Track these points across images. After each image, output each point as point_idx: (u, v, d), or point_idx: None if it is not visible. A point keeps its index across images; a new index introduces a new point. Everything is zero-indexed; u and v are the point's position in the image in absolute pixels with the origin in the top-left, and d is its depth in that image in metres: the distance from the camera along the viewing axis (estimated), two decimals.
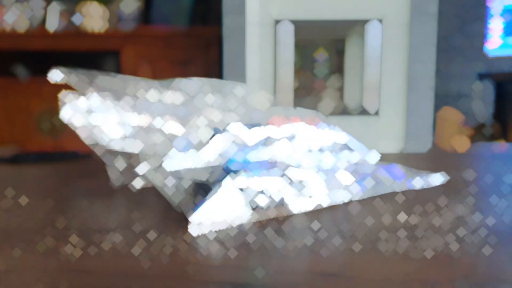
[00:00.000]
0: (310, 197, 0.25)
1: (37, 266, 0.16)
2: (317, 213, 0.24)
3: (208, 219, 0.21)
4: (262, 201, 0.23)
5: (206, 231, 0.21)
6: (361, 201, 0.26)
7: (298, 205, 0.24)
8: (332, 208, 0.25)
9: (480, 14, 2.78)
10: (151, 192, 0.29)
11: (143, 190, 0.29)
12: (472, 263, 0.17)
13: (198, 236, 0.20)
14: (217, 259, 0.17)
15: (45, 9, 2.43)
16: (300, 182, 0.25)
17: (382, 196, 0.28)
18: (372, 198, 0.27)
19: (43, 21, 2.43)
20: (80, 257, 0.18)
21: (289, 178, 0.25)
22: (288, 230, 0.21)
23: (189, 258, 0.17)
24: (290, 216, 0.24)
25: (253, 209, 0.23)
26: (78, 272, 0.16)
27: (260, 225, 0.22)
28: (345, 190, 0.26)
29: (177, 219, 0.23)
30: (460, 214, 0.24)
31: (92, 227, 0.21)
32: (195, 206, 0.22)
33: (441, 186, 0.31)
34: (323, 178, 0.26)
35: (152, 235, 0.20)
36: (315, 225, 0.22)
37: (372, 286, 0.15)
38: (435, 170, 0.37)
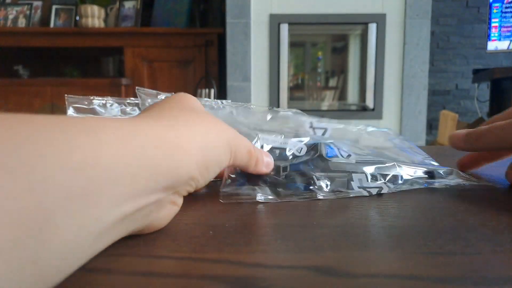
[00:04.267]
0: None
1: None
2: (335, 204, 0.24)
3: (236, 193, 0.26)
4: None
5: (233, 201, 0.25)
6: (362, 197, 0.27)
7: (323, 193, 0.27)
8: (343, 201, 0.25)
9: (480, 12, 2.78)
10: None
11: None
12: (470, 262, 0.17)
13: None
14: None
15: (46, 9, 2.43)
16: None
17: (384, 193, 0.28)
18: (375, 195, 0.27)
19: (44, 20, 2.43)
20: None
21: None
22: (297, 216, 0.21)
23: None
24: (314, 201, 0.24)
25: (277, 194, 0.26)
26: None
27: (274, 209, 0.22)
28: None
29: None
30: (459, 212, 0.24)
31: None
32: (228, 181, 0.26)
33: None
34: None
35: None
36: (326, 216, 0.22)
37: (370, 282, 0.15)
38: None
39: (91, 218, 0.14)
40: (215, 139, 0.21)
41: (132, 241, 0.19)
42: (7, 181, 0.11)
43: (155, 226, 0.20)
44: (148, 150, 0.17)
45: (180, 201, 0.21)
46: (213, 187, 0.30)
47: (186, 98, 0.23)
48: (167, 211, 0.20)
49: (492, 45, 2.12)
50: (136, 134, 0.17)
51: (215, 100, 0.35)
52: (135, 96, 0.34)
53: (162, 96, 0.32)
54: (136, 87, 0.32)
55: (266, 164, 0.26)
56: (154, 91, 0.33)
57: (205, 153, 0.20)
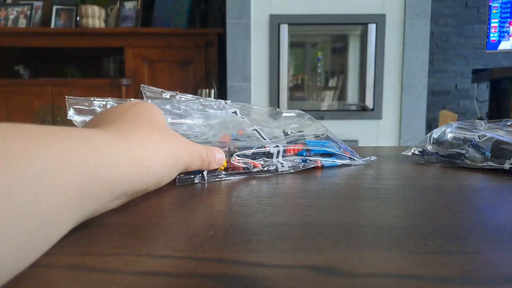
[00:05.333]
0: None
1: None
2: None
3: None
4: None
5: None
6: (350, 195, 0.27)
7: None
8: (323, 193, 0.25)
9: (480, 13, 2.79)
10: None
11: None
12: (470, 261, 0.17)
13: None
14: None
15: (47, 9, 2.43)
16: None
17: (369, 192, 0.28)
18: (360, 192, 0.27)
19: (45, 20, 2.43)
20: None
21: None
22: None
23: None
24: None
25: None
26: None
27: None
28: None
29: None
30: (458, 211, 0.24)
31: None
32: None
33: (437, 181, 0.31)
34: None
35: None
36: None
37: (369, 282, 0.15)
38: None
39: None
40: (173, 159, 0.25)
41: (133, 240, 0.20)
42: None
43: None
44: (121, 164, 0.20)
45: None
46: (213, 190, 0.30)
47: (150, 110, 0.26)
48: None
49: (491, 44, 2.12)
50: (114, 150, 0.20)
51: (219, 100, 0.37)
52: (135, 96, 0.34)
53: (166, 94, 0.34)
54: (141, 85, 0.34)
55: (217, 161, 0.31)
56: (159, 89, 0.34)
57: (164, 171, 0.24)
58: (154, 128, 0.25)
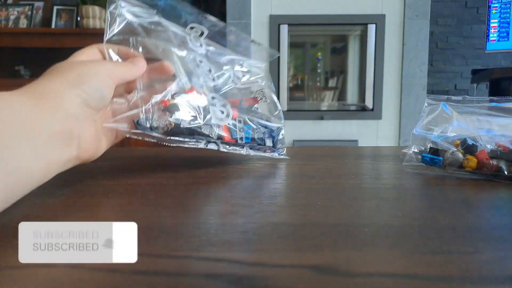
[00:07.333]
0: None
1: None
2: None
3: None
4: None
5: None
6: (350, 195, 0.27)
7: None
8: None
9: (479, 13, 2.79)
10: None
11: None
12: (469, 261, 0.17)
13: None
14: None
15: (48, 9, 2.43)
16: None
17: (369, 192, 0.28)
18: (360, 192, 0.27)
19: (45, 21, 2.43)
20: None
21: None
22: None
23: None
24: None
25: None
26: None
27: None
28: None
29: None
30: (458, 211, 0.24)
31: None
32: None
33: (433, 181, 0.31)
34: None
35: None
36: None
37: (369, 281, 0.15)
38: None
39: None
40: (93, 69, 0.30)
41: None
42: None
43: (87, 148, 0.27)
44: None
45: (96, 116, 0.28)
46: (213, 190, 0.30)
47: (65, 63, 0.31)
48: (90, 131, 0.27)
49: (490, 44, 2.12)
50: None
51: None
52: None
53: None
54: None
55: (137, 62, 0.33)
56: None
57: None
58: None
